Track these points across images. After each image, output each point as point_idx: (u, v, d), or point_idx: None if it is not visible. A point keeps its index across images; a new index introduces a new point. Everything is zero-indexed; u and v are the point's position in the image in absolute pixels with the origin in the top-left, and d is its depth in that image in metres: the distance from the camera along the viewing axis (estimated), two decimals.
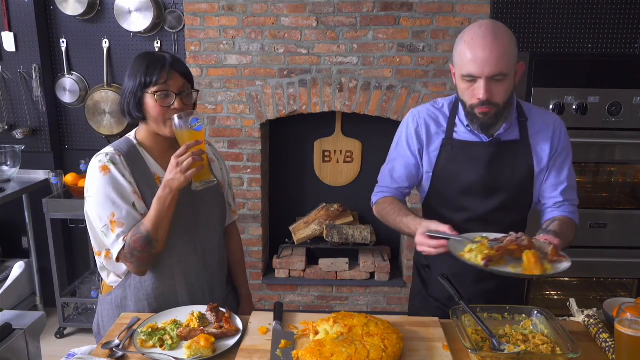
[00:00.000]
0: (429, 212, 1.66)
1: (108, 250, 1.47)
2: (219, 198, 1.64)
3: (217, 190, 1.63)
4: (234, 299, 1.77)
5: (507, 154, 1.51)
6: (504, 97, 1.41)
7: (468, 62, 1.38)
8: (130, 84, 1.44)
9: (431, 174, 1.58)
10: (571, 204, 1.56)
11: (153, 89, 1.41)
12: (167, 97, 1.42)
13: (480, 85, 1.38)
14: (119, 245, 1.41)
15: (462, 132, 1.54)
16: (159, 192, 1.39)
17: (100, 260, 1.53)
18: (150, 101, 1.43)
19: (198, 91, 1.52)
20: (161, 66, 1.42)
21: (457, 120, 1.54)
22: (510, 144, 1.52)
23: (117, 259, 1.45)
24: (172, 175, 1.36)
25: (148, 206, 1.44)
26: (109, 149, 1.48)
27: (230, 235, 1.80)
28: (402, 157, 1.60)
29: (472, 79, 1.39)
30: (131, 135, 1.55)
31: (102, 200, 1.42)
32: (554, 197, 1.55)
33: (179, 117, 1.37)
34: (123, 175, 1.44)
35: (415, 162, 1.59)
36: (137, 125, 1.55)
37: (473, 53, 1.36)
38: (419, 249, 1.36)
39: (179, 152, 1.37)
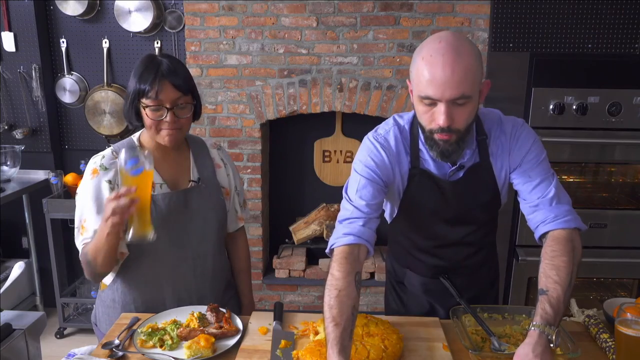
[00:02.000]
0: (397, 233, 1.60)
1: None
2: (217, 206, 1.60)
3: (215, 197, 1.59)
4: (235, 305, 1.74)
5: (471, 180, 1.40)
6: (467, 122, 1.25)
7: (426, 83, 1.20)
8: (129, 91, 1.42)
9: (400, 198, 1.46)
10: (546, 201, 1.34)
11: (145, 102, 1.39)
12: (159, 110, 1.39)
13: (441, 109, 1.21)
14: (80, 250, 1.42)
15: (427, 160, 1.40)
16: (100, 221, 1.33)
17: None
18: (144, 112, 1.42)
19: (195, 103, 1.47)
20: (153, 77, 1.37)
21: (420, 146, 1.39)
22: (473, 169, 1.40)
23: None
24: (106, 213, 1.27)
25: None
26: (107, 151, 1.48)
27: (236, 242, 1.76)
28: (372, 182, 1.37)
29: (431, 101, 1.22)
30: (135, 136, 1.54)
31: (81, 202, 1.44)
32: (529, 199, 1.37)
33: (125, 152, 1.25)
34: (109, 182, 1.43)
35: (385, 189, 1.40)
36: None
37: (432, 73, 1.19)
38: None
39: (112, 194, 1.26)
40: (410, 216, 1.51)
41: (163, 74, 1.38)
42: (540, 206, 1.34)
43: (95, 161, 1.46)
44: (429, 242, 1.53)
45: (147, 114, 1.40)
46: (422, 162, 1.41)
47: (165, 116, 1.40)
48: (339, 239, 1.30)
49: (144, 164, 1.24)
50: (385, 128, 1.44)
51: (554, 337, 1.11)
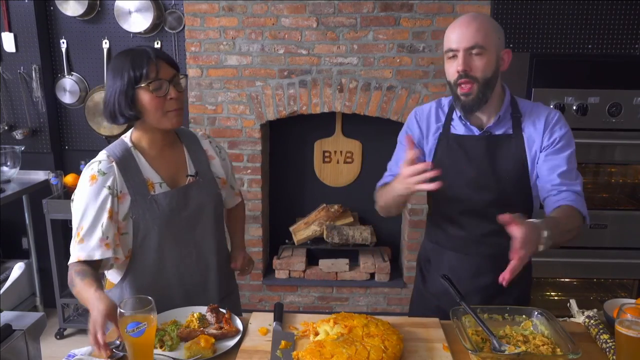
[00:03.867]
0: (432, 202, 1.71)
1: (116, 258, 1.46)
2: (215, 198, 1.62)
3: (213, 190, 1.61)
4: (237, 298, 1.77)
5: (499, 148, 1.52)
6: (484, 72, 1.44)
7: (448, 39, 1.46)
8: (117, 84, 1.39)
9: (431, 160, 1.61)
10: (572, 190, 1.47)
11: (145, 85, 1.38)
12: (162, 87, 1.41)
13: (459, 57, 1.44)
14: (72, 259, 1.40)
15: (457, 126, 1.58)
16: (90, 296, 1.26)
17: None
18: (144, 96, 1.40)
19: (186, 75, 1.51)
20: (147, 59, 1.39)
21: (454, 115, 1.59)
22: (503, 138, 1.53)
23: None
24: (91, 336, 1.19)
25: (137, 213, 1.43)
26: (103, 156, 1.45)
27: (234, 214, 1.81)
28: (405, 148, 1.56)
29: (453, 54, 1.45)
30: (126, 137, 1.52)
31: (78, 209, 1.41)
32: (551, 180, 1.48)
33: (121, 309, 1.14)
34: (109, 188, 1.41)
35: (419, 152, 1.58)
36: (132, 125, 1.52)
37: (453, 30, 1.46)
38: (408, 182, 1.34)
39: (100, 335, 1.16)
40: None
41: (156, 54, 1.42)
42: (565, 193, 1.46)
43: (92, 167, 1.42)
44: (453, 206, 1.59)
45: (151, 96, 1.40)
46: (452, 128, 1.59)
47: (168, 91, 1.41)
48: (380, 182, 1.67)
49: (146, 324, 1.14)
50: (428, 104, 1.68)
51: (545, 236, 1.22)
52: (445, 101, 1.65)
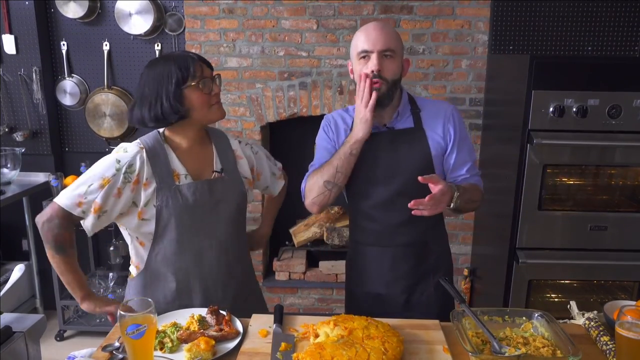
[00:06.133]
0: (349, 202, 1.79)
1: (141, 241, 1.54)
2: (239, 197, 1.64)
3: (238, 189, 1.64)
4: (255, 300, 1.77)
5: (402, 141, 1.63)
6: (393, 74, 1.56)
7: (362, 42, 1.55)
8: (164, 86, 1.45)
9: None
10: (476, 175, 1.70)
11: (194, 82, 1.47)
12: (208, 85, 1.50)
13: (373, 58, 1.53)
14: (51, 205, 1.51)
15: None
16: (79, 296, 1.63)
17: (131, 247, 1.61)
18: (193, 94, 1.47)
19: (219, 75, 1.59)
20: (192, 60, 1.48)
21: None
22: (405, 132, 1.65)
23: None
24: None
25: (161, 201, 1.49)
26: (135, 143, 1.52)
27: (278, 196, 1.92)
28: (324, 150, 1.74)
29: (365, 54, 1.55)
30: (160, 131, 1.59)
31: (91, 176, 1.46)
32: (461, 174, 1.67)
33: (121, 311, 1.13)
34: (121, 169, 1.46)
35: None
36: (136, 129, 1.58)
37: (366, 33, 1.55)
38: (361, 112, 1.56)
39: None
40: (350, 181, 1.69)
41: (197, 57, 1.52)
42: (470, 177, 1.68)
43: (123, 147, 1.51)
44: (365, 201, 1.69)
45: (199, 94, 1.48)
46: None
47: (213, 87, 1.51)
48: (304, 182, 1.77)
49: (146, 326, 1.13)
50: (337, 110, 1.78)
51: (456, 196, 1.51)
52: (351, 107, 1.74)
